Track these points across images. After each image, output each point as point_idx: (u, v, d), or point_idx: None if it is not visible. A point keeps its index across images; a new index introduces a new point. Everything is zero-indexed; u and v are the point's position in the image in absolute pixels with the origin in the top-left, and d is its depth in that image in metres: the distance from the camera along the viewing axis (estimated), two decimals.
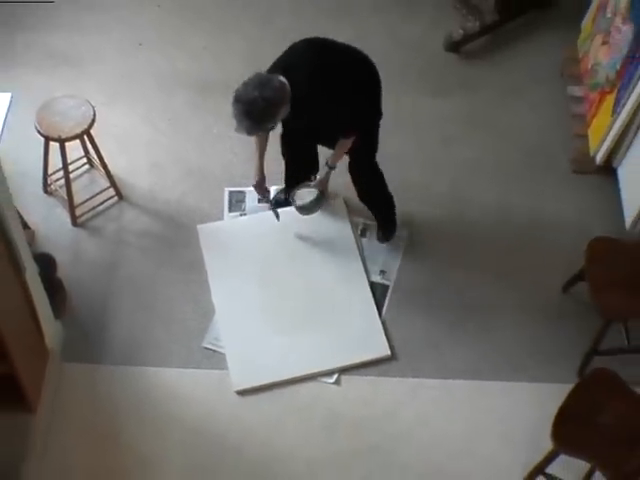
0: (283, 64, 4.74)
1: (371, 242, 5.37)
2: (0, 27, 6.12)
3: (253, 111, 4.55)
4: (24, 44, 6.05)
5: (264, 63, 5.85)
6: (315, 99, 4.68)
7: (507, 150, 5.70)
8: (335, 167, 5.06)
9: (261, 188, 5.18)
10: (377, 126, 5.01)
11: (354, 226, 5.40)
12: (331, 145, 4.91)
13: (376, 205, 5.33)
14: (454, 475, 4.62)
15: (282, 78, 4.61)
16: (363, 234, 5.39)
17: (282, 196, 5.45)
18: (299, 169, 5.19)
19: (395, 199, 5.32)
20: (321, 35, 4.94)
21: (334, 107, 4.78)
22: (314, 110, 4.75)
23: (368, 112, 4.97)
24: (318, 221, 5.35)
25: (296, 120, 4.75)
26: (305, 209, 5.17)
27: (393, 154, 5.22)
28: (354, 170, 5.19)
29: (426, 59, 6.01)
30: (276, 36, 6.04)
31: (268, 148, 5.05)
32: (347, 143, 4.96)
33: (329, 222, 5.40)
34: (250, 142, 5.53)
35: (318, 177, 5.16)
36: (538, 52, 6.12)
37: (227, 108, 5.72)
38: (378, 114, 4.98)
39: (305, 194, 5.15)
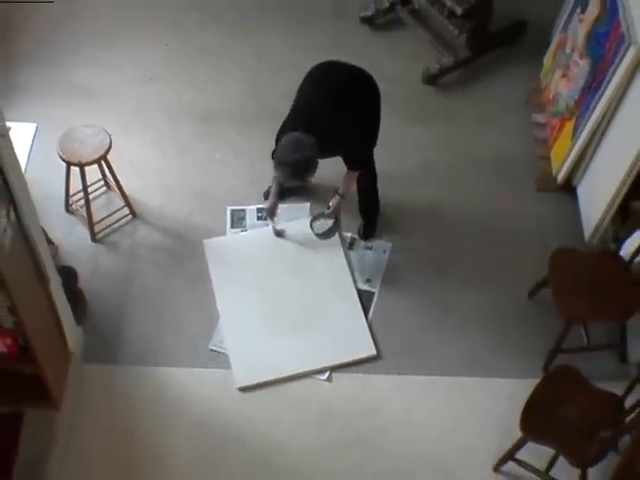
0: (306, 113, 4.80)
1: (358, 254, 5.38)
2: (26, 64, 6.13)
3: (297, 170, 4.68)
4: (47, 79, 6.06)
5: (261, 94, 5.96)
6: (336, 140, 4.78)
7: (479, 171, 5.71)
8: (345, 196, 5.15)
9: (273, 213, 5.25)
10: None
11: (343, 240, 5.41)
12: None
13: (367, 209, 5.38)
14: (434, 462, 4.63)
15: (309, 135, 4.65)
16: (351, 247, 5.40)
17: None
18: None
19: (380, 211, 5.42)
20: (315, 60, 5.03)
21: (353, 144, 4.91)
22: (332, 148, 4.84)
23: (372, 144, 5.07)
24: (311, 236, 5.36)
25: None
26: (324, 235, 5.27)
27: (380, 173, 5.23)
28: (360, 186, 5.25)
29: (407, 91, 6.03)
30: (272, 69, 6.12)
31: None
32: (355, 175, 5.09)
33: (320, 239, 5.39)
34: (248, 166, 5.67)
35: (331, 206, 5.21)
36: (506, 84, 6.14)
37: (228, 135, 5.86)
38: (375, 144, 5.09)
39: (323, 223, 5.27)
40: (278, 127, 5.02)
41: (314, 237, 5.32)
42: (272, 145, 5.09)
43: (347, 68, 5.01)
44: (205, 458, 4.62)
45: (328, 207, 5.27)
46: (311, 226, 5.32)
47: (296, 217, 5.47)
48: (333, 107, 4.81)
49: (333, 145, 4.83)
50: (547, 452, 4.36)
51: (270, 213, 5.29)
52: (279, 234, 5.41)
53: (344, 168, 5.07)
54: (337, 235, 5.36)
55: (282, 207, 5.38)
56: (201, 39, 6.40)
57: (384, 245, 5.42)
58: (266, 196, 5.52)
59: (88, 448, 4.62)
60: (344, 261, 5.33)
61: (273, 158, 5.01)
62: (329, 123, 4.75)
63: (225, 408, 4.80)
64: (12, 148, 3.95)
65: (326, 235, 5.28)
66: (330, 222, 5.28)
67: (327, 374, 4.92)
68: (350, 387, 4.89)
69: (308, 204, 5.47)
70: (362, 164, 5.09)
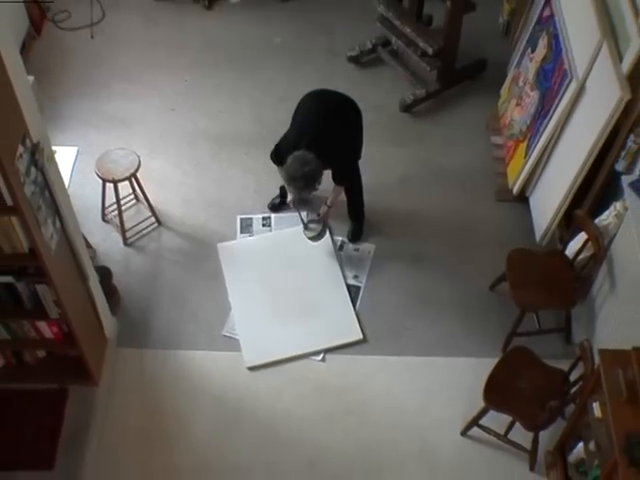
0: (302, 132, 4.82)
1: (347, 254, 5.39)
2: (69, 97, 6.15)
3: (307, 182, 4.71)
4: (86, 109, 6.08)
5: (265, 120, 5.97)
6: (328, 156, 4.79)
7: (448, 184, 5.71)
8: (332, 206, 5.20)
9: (294, 203, 5.24)
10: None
11: (334, 243, 5.42)
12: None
13: (354, 216, 5.40)
14: (411, 428, 4.66)
15: (310, 152, 4.67)
16: (341, 249, 5.41)
17: (277, 201, 5.53)
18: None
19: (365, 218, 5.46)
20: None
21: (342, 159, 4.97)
22: (328, 162, 4.85)
23: (357, 157, 5.11)
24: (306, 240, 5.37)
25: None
26: (314, 238, 5.29)
27: (366, 186, 5.28)
28: (349, 197, 5.29)
29: (387, 117, 6.04)
30: (274, 100, 6.13)
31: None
32: (341, 189, 5.13)
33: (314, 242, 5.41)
34: (254, 182, 5.68)
35: (320, 214, 5.26)
36: (469, 112, 6.14)
37: (238, 155, 5.85)
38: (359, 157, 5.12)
39: (313, 228, 5.30)
40: None
41: (308, 240, 5.33)
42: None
43: (335, 94, 5.04)
44: (221, 426, 4.65)
45: (318, 215, 5.32)
46: (304, 231, 5.33)
47: (296, 224, 5.45)
48: (328, 127, 4.83)
49: (328, 159, 4.83)
50: (505, 419, 4.38)
51: (293, 204, 5.27)
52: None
53: (332, 184, 5.11)
54: (328, 238, 5.37)
55: (282, 216, 5.44)
56: (215, 75, 6.39)
57: (369, 247, 5.43)
58: (270, 207, 5.56)
59: (122, 418, 4.65)
60: (335, 260, 5.34)
61: (272, 158, 5.11)
62: (325, 140, 4.76)
63: (237, 384, 4.82)
64: (57, 168, 3.98)
65: (315, 238, 5.30)
66: (319, 227, 5.30)
67: (321, 355, 4.94)
68: (341, 366, 4.91)
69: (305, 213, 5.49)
70: (347, 181, 5.12)
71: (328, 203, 5.22)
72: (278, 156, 5.00)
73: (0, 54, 3.26)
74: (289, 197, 5.23)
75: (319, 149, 4.71)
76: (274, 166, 5.17)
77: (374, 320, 5.09)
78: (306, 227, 5.34)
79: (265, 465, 4.54)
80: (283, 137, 5.05)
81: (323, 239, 5.33)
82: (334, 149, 4.86)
